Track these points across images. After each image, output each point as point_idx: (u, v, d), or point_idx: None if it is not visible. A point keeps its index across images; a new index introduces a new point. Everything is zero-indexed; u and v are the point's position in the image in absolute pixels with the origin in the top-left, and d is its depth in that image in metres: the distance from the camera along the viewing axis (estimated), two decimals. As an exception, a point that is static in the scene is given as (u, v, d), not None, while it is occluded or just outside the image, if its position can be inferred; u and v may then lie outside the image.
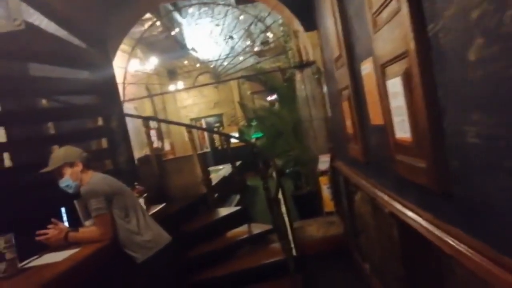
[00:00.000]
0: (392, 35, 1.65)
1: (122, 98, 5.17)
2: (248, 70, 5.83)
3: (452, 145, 1.38)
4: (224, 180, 6.85)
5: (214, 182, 5.94)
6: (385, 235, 2.49)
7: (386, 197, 2.28)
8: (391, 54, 1.69)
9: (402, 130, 1.73)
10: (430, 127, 1.43)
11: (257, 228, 3.92)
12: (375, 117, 2.33)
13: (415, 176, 1.69)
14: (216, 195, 4.77)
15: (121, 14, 4.14)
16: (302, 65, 4.59)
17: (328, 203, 4.59)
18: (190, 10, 12.03)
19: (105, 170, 2.88)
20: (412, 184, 1.80)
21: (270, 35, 10.86)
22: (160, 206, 3.22)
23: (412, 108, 1.56)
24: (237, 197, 6.56)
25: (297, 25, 4.53)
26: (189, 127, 4.49)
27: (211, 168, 10.16)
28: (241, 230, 3.94)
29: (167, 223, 3.50)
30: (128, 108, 5.17)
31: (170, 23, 10.06)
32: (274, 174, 4.02)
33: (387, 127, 1.99)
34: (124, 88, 4.86)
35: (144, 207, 2.99)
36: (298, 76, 4.70)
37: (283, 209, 3.77)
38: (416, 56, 1.42)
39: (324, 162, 4.63)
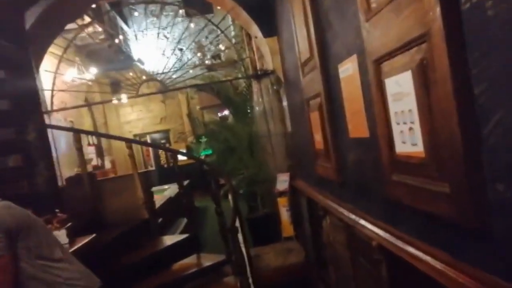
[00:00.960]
0: (398, 18, 1.26)
1: (49, 107, 4.46)
2: (199, 80, 5.34)
3: (496, 162, 0.98)
4: (170, 201, 6.22)
5: (158, 204, 5.32)
6: (366, 272, 2.07)
7: (370, 226, 1.86)
8: (395, 42, 1.29)
9: (408, 142, 1.32)
10: (463, 137, 1.03)
11: (208, 260, 3.37)
12: (356, 129, 1.93)
13: (426, 203, 1.28)
14: (160, 220, 4.16)
15: (44, 8, 3.52)
16: (259, 75, 4.18)
17: (287, 227, 4.14)
18: (136, 16, 11.37)
19: (13, 195, 2.22)
20: (417, 213, 1.39)
21: (222, 47, 10.48)
22: (90, 238, 2.59)
23: (430, 111, 1.15)
24: (184, 221, 5.95)
25: (255, 30, 4.13)
26: (128, 141, 3.88)
27: (156, 188, 9.42)
28: (189, 262, 3.38)
29: (100, 255, 2.88)
30: (58, 120, 4.44)
31: (114, 31, 9.36)
32: (229, 196, 3.51)
33: (378, 140, 1.59)
34: (52, 96, 4.16)
35: (66, 240, 2.37)
36: (255, 87, 4.29)
37: (240, 237, 3.28)
38: (444, 38, 1.02)
39: (282, 182, 4.20)
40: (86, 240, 2.55)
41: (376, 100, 1.51)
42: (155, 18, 12.44)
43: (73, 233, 2.64)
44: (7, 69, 2.57)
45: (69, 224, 2.50)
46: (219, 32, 13.30)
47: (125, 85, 11.92)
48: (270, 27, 3.95)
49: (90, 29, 7.92)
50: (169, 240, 3.65)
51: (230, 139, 5.09)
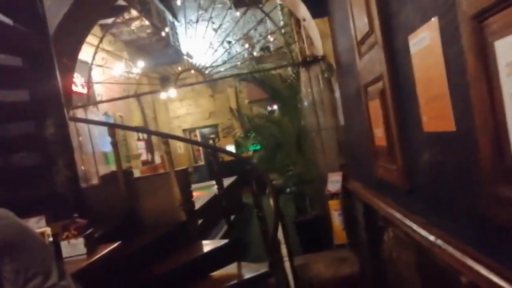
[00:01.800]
0: None
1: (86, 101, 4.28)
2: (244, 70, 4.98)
3: None
4: (215, 199, 5.92)
5: (202, 202, 5.02)
6: (446, 308, 1.57)
7: (455, 252, 1.37)
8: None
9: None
10: None
11: (250, 270, 2.99)
12: (435, 120, 1.43)
13: None
14: (200, 221, 3.85)
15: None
16: (308, 62, 3.71)
17: (339, 234, 3.66)
18: (185, 9, 11.24)
19: (29, 197, 1.96)
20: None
21: (271, 38, 10.05)
22: (113, 246, 2.30)
23: None
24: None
25: (303, 12, 3.66)
26: (164, 136, 3.58)
27: (204, 184, 9.25)
28: (229, 272, 3.01)
29: (128, 265, 2.60)
30: (95, 114, 4.26)
31: (162, 25, 9.25)
32: (271, 201, 3.10)
33: (474, 135, 1.10)
34: (88, 88, 3.97)
35: (84, 251, 2.08)
36: (303, 76, 3.82)
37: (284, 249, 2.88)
38: None
39: (334, 182, 3.72)
40: (108, 248, 2.25)
41: (475, 75, 1.02)
42: (204, 11, 12.27)
43: (98, 240, 2.36)
44: (23, 56, 2.34)
45: (90, 230, 2.21)
46: (268, 23, 12.99)
47: (175, 78, 11.91)
48: (319, 6, 3.46)
49: (137, 23, 7.83)
50: (207, 246, 3.31)
51: (277, 134, 4.67)
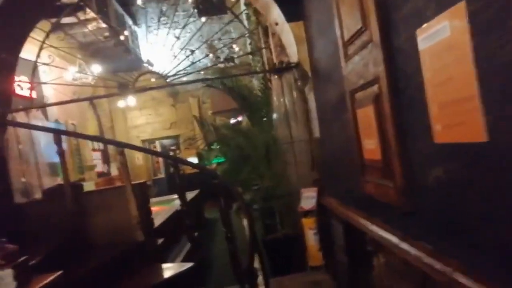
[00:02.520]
0: None
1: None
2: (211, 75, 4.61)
3: None
4: (177, 214, 5.50)
5: (163, 218, 4.60)
6: None
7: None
8: None
9: None
10: None
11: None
12: (456, 129, 1.19)
13: None
14: (160, 240, 3.45)
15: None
16: (281, 69, 3.46)
17: (315, 255, 3.38)
18: (146, 15, 10.81)
19: None
20: None
21: (236, 48, 9.83)
22: (51, 277, 1.88)
23: None
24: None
25: (276, 15, 3.43)
26: (118, 145, 3.19)
27: (164, 198, 8.74)
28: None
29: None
30: (40, 120, 3.75)
31: (121, 29, 8.78)
32: (244, 221, 2.78)
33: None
34: (32, 89, 3.49)
35: (13, 285, 1.66)
36: (274, 85, 3.57)
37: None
38: None
39: (309, 199, 3.45)
40: (46, 281, 1.84)
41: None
42: (166, 18, 11.88)
43: (34, 269, 1.94)
44: None
45: (23, 258, 1.79)
46: (232, 34, 12.75)
47: (134, 86, 11.36)
48: (294, 10, 3.24)
49: (94, 24, 7.34)
50: (168, 270, 2.93)
51: (244, 145, 4.37)
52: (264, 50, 6.56)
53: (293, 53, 3.47)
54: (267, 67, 7.43)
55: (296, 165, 3.61)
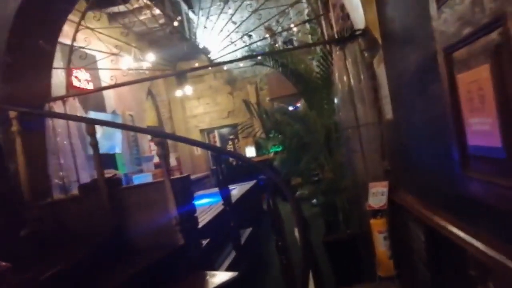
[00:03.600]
0: None
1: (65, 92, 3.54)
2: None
3: None
4: (235, 206, 5.11)
5: (212, 215, 4.22)
6: None
7: None
8: None
9: None
10: None
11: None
12: None
13: None
14: (206, 242, 3.06)
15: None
16: (344, 39, 2.87)
17: (385, 263, 2.79)
18: (202, 2, 10.52)
19: None
20: None
21: (294, 29, 9.21)
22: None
23: None
24: (248, 232, 4.81)
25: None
26: (152, 134, 2.80)
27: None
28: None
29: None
30: (77, 108, 3.48)
31: (175, 16, 8.55)
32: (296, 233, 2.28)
33: None
34: (68, 75, 3.20)
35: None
36: (336, 59, 2.98)
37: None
38: None
39: (378, 195, 2.86)
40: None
41: None
42: (222, 3, 11.55)
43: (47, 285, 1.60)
44: None
45: (16, 280, 1.44)
46: (291, 14, 12.07)
47: (192, 76, 11.17)
48: (361, -39, 2.62)
49: (148, 12, 7.13)
50: (211, 278, 2.51)
51: (302, 132, 3.83)
52: (324, 26, 5.92)
53: (359, 18, 2.85)
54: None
55: (363, 153, 3.02)
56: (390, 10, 2.36)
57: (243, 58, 3.58)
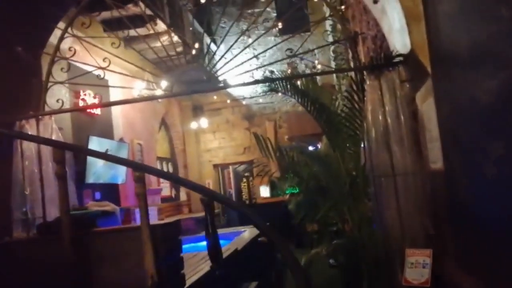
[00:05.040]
0: None
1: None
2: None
3: None
4: (237, 256, 4.44)
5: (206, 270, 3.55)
6: None
7: None
8: None
9: None
10: None
11: None
12: None
13: None
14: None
15: None
16: (378, 65, 2.31)
17: None
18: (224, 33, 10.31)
19: None
20: None
21: (318, 66, 8.78)
22: None
23: None
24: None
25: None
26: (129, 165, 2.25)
27: (232, 229, 7.75)
28: None
29: None
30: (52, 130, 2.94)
31: (195, 44, 8.25)
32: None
33: None
34: (44, 90, 2.69)
35: None
36: (368, 89, 2.42)
37: None
38: None
39: (417, 266, 2.20)
40: None
41: None
42: (245, 37, 11.33)
43: None
44: None
45: None
46: (316, 52, 11.63)
47: (209, 108, 10.80)
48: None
49: (165, 38, 6.83)
50: None
51: (322, 176, 3.23)
52: (351, 59, 5.43)
53: (400, 41, 2.31)
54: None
55: (398, 210, 2.37)
56: (449, 29, 1.81)
57: (259, 82, 3.07)
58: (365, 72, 2.47)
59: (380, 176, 2.41)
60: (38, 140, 2.44)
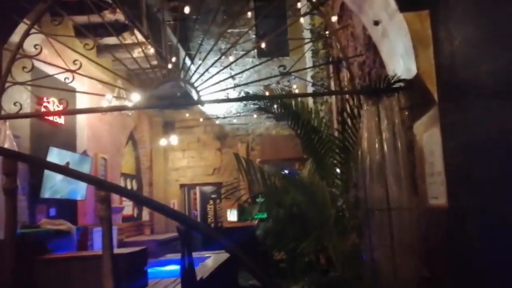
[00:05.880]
0: None
1: None
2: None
3: None
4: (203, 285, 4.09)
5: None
6: None
7: None
8: None
9: None
10: None
11: None
12: None
13: None
14: None
15: None
16: (380, 90, 2.15)
17: None
18: (202, 52, 10.11)
19: None
20: None
21: (296, 89, 8.74)
22: None
23: None
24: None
25: (379, 5, 2.18)
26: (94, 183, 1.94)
27: (196, 255, 7.35)
28: None
29: None
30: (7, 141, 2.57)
31: (171, 59, 7.98)
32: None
33: None
34: (0, 89, 2.35)
35: None
36: (366, 114, 2.24)
37: None
38: None
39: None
40: None
41: None
42: (223, 57, 11.20)
43: None
44: None
45: None
46: (292, 76, 11.65)
47: (180, 126, 10.47)
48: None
49: (139, 50, 6.53)
50: None
51: (304, 204, 3.00)
52: (332, 83, 5.35)
53: (402, 66, 2.16)
54: (334, 113, 6.14)
55: (392, 248, 2.17)
56: (462, 55, 1.66)
57: (237, 99, 2.85)
58: (361, 97, 2.29)
59: (374, 209, 2.21)
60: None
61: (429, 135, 2.02)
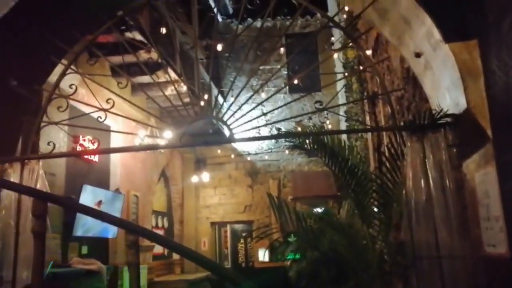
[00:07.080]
0: None
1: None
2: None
3: None
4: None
5: None
6: None
7: None
8: None
9: None
10: None
11: None
12: None
13: None
14: None
15: None
16: (424, 126, 1.99)
17: None
18: (234, 90, 10.23)
19: None
20: None
21: (329, 125, 8.57)
22: None
23: None
24: None
25: (421, 36, 2.07)
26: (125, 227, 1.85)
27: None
28: None
29: None
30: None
31: (203, 96, 8.09)
32: None
33: None
34: (37, 129, 2.34)
35: None
36: (409, 151, 2.08)
37: None
38: None
39: None
40: None
41: None
42: (256, 94, 11.28)
43: None
44: None
45: None
46: (325, 113, 11.49)
47: (212, 162, 10.45)
48: (462, 22, 1.86)
49: (172, 88, 6.66)
50: None
51: (342, 247, 2.80)
52: (367, 118, 5.19)
53: (449, 100, 2.01)
54: (370, 149, 5.92)
55: (444, 302, 1.93)
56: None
57: (270, 137, 2.75)
58: (404, 133, 2.14)
59: (421, 257, 2.00)
60: (18, 188, 2.06)
61: (482, 174, 1.83)
